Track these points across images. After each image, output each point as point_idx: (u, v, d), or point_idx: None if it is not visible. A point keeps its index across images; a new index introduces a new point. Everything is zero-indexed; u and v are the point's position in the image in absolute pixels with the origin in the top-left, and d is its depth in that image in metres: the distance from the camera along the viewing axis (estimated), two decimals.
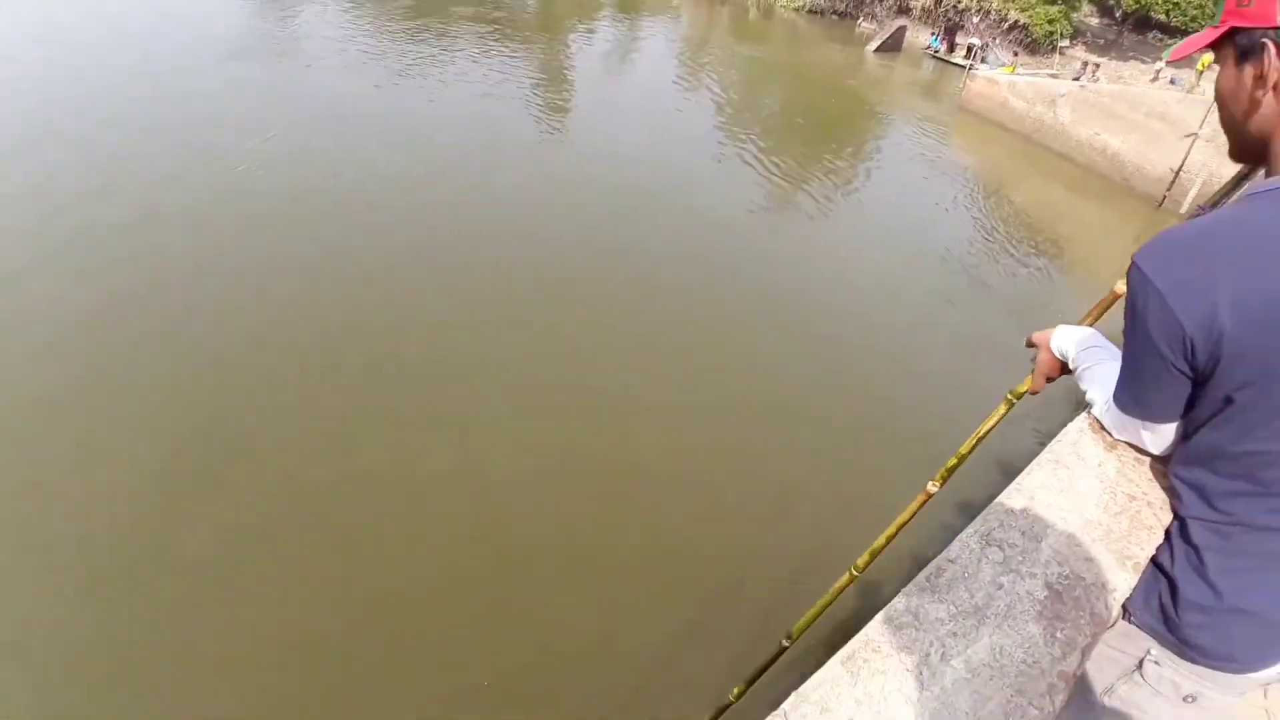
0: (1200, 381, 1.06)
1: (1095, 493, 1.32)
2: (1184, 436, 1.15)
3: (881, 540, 1.66)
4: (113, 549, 4.59)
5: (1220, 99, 1.15)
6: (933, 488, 1.66)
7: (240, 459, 5.24)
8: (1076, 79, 21.53)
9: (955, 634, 0.97)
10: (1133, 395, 1.19)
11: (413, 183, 9.18)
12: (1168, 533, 1.18)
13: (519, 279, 7.58)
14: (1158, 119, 16.55)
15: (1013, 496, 1.24)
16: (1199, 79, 23.19)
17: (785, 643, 1.91)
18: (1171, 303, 1.01)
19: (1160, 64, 25.07)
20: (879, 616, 0.97)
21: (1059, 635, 1.00)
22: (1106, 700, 1.17)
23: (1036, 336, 1.53)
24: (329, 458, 5.32)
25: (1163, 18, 27.04)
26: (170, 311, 6.38)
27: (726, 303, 7.97)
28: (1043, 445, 1.38)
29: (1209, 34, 1.13)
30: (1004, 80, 19.71)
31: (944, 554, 1.09)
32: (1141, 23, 29.28)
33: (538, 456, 5.54)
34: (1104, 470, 1.37)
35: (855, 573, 1.75)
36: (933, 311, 8.44)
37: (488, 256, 7.86)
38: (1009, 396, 1.59)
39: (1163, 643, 1.13)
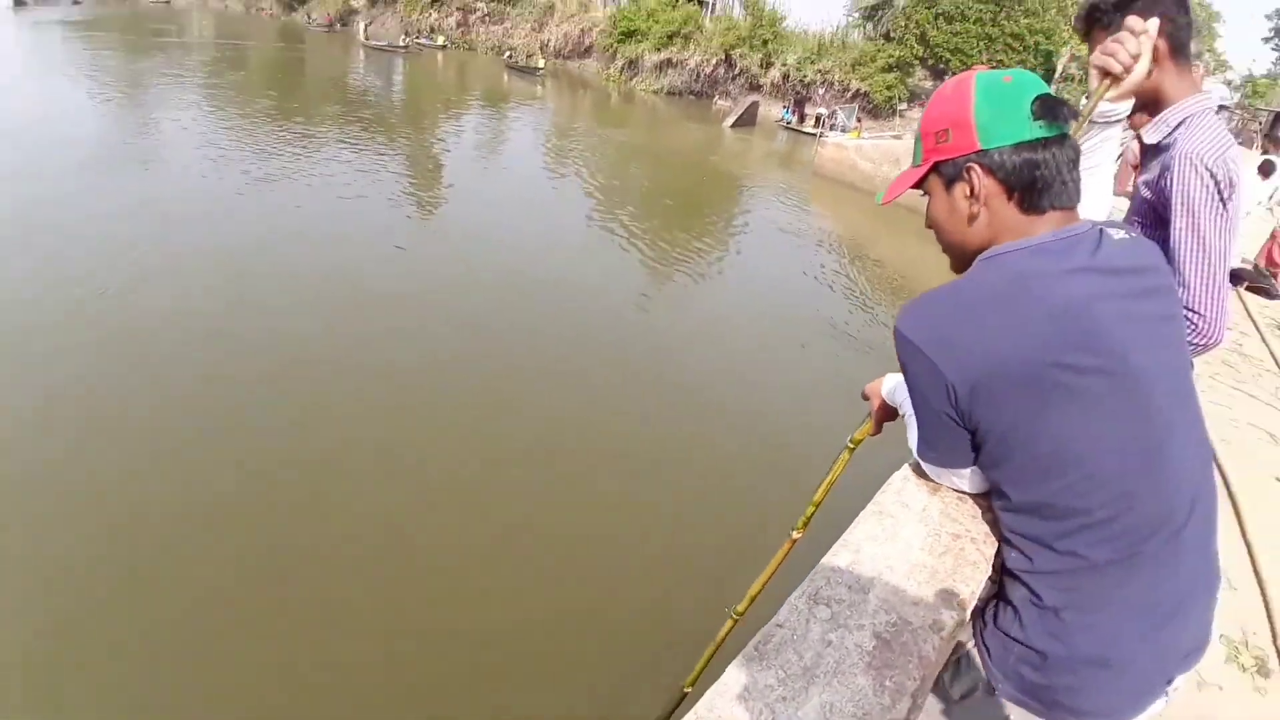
0: (974, 430, 1.15)
1: (920, 536, 1.38)
2: (997, 493, 1.22)
3: (757, 586, 1.74)
4: None
5: (936, 226, 1.30)
6: (796, 534, 1.72)
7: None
8: None
9: (784, 698, 0.99)
10: (928, 444, 1.29)
11: (284, 293, 8.91)
12: (1007, 596, 1.24)
13: (407, 378, 7.44)
14: None
15: (839, 553, 1.29)
16: None
17: (686, 689, 1.97)
18: (936, 359, 1.11)
19: None
20: (709, 693, 0.98)
21: (888, 684, 1.04)
22: None
23: (869, 388, 1.64)
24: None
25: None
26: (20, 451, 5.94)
27: (612, 375, 8.04)
28: (869, 498, 1.45)
29: (914, 173, 1.28)
30: (851, 145, 21.06)
31: (773, 619, 1.12)
32: None
33: (430, 555, 5.36)
34: (928, 514, 1.44)
35: (736, 616, 1.82)
36: (802, 365, 8.77)
37: (372, 359, 7.69)
38: (849, 443, 1.67)
39: (1037, 713, 1.19)
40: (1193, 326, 1.78)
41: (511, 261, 10.81)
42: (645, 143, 23.67)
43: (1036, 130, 1.15)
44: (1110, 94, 1.63)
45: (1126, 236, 1.21)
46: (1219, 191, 1.76)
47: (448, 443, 6.54)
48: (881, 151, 20.32)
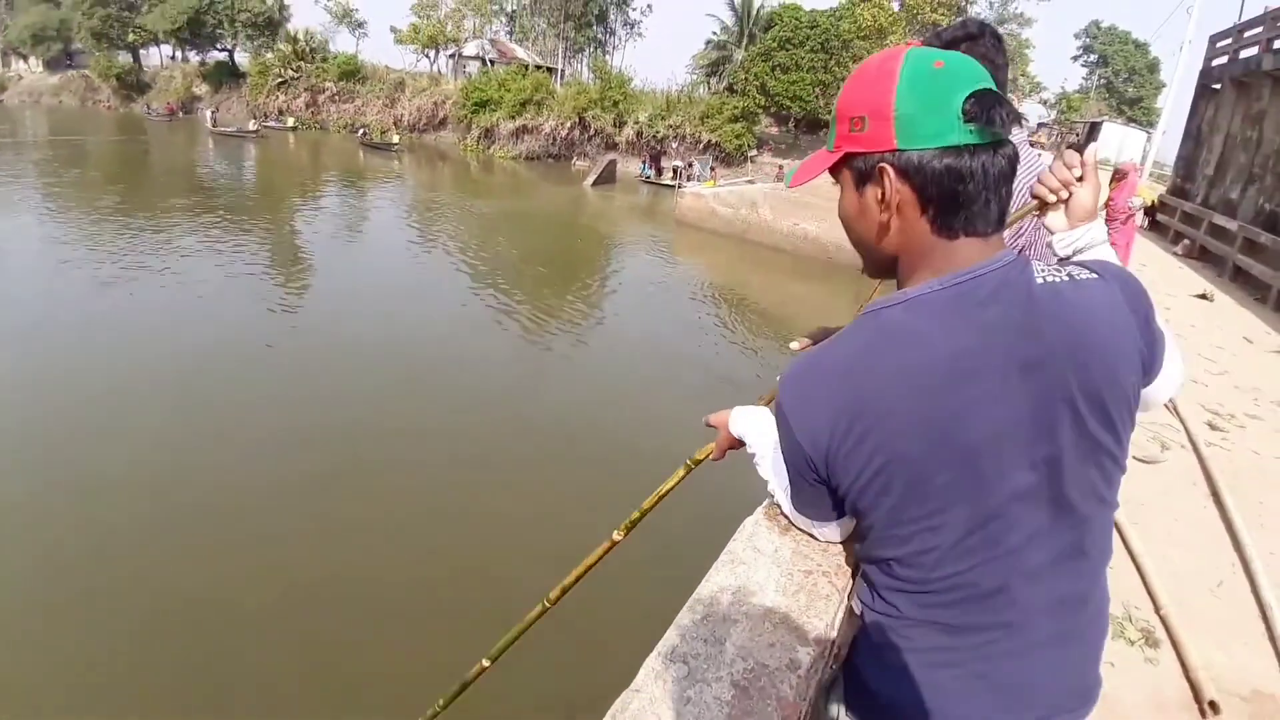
0: (832, 488, 1.14)
1: (773, 579, 1.43)
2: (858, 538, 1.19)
3: (571, 578, 1.81)
4: None
5: (845, 221, 1.17)
6: (617, 535, 1.76)
7: None
8: (778, 180, 24.42)
9: None
10: (795, 499, 1.30)
11: (145, 403, 8.33)
12: (859, 635, 1.25)
13: (288, 471, 7.11)
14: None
15: (695, 607, 1.32)
16: None
17: (485, 663, 2.07)
18: (792, 421, 1.10)
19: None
20: None
21: None
22: None
23: (714, 419, 1.60)
24: None
25: (828, 117, 31.44)
26: None
27: (501, 439, 7.99)
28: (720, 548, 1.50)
29: (824, 158, 1.13)
30: (708, 193, 21.86)
31: (630, 685, 1.13)
32: (812, 125, 33.90)
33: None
34: (780, 555, 1.49)
35: (548, 604, 1.91)
36: (685, 408, 8.94)
37: (251, 465, 7.30)
38: (689, 462, 1.71)
39: None
40: None
41: (388, 349, 10.50)
42: (510, 209, 23.78)
43: (965, 134, 0.99)
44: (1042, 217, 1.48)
45: (1063, 280, 1.05)
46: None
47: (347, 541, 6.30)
48: (738, 196, 21.18)
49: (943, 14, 28.99)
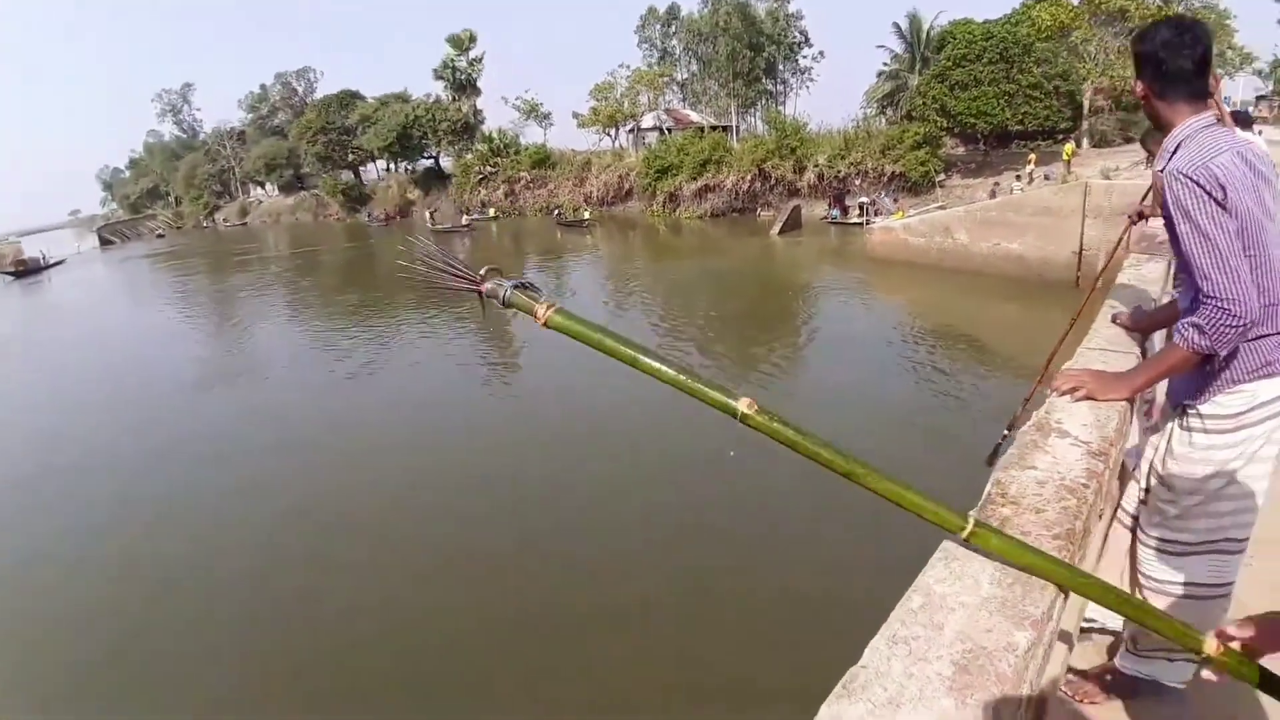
0: None
1: (988, 572, 1.52)
2: None
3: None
4: None
5: None
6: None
7: None
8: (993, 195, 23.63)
9: None
10: None
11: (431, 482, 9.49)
12: None
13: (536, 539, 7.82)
14: (1043, 214, 17.87)
15: (912, 598, 1.44)
16: (1068, 169, 25.39)
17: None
18: None
19: (1026, 168, 27.55)
20: None
21: (969, 701, 1.18)
22: None
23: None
24: None
25: (1019, 127, 29.97)
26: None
27: (722, 508, 8.19)
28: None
29: None
30: (898, 225, 21.33)
31: (856, 664, 1.28)
32: (1001, 138, 32.27)
33: None
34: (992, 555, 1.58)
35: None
36: (914, 457, 8.67)
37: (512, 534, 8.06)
38: None
39: None
40: (1226, 312, 1.95)
41: (596, 420, 11.08)
42: (700, 267, 24.37)
43: None
44: None
45: None
46: (1208, 194, 1.95)
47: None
48: (929, 224, 20.49)
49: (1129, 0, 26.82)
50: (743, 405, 1.48)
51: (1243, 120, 9.66)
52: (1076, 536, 1.77)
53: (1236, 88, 49.86)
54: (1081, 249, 16.77)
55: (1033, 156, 28.67)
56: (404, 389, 13.24)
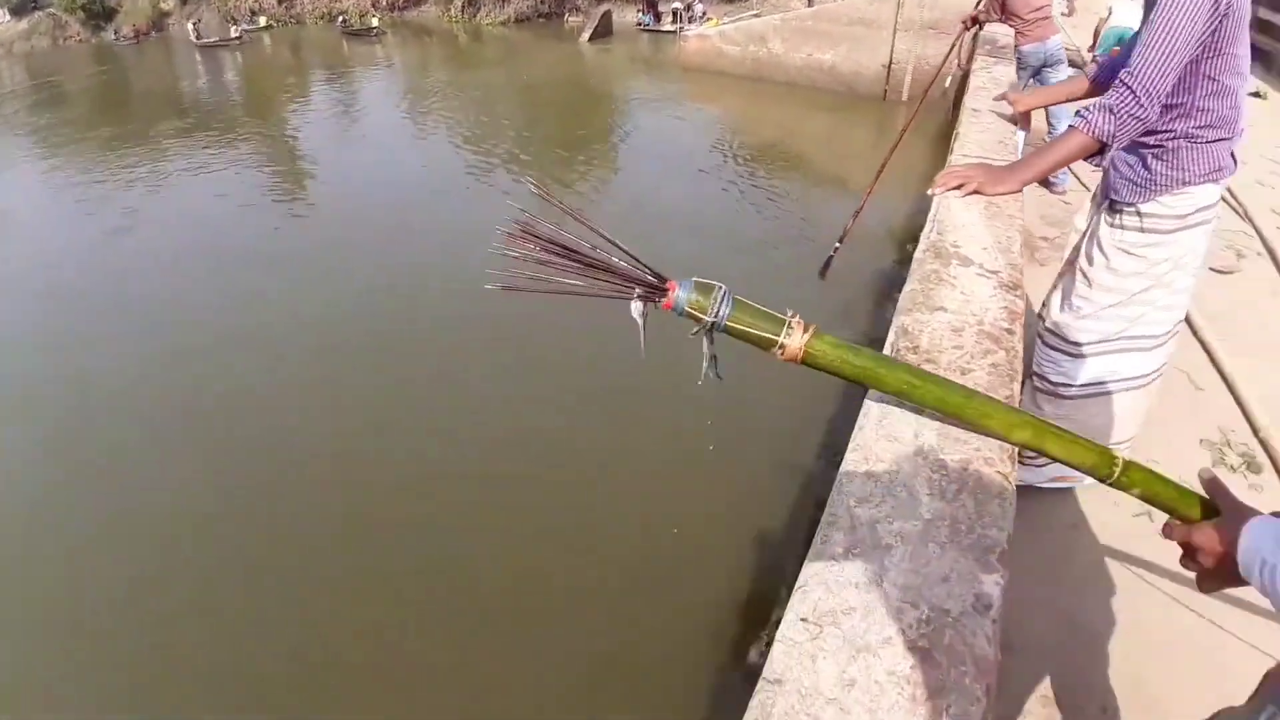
0: None
1: (924, 477, 1.07)
2: None
3: None
4: None
5: None
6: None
7: None
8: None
9: None
10: None
11: (173, 320, 8.25)
12: None
13: (312, 371, 6.98)
14: (857, 25, 17.55)
15: (830, 536, 0.97)
16: None
17: None
18: None
19: None
20: None
21: (947, 717, 0.71)
22: None
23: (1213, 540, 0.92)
24: None
25: None
26: None
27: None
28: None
29: None
30: (713, 33, 20.39)
31: (765, 670, 0.78)
32: None
33: None
34: (923, 442, 1.12)
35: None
36: (747, 276, 8.44)
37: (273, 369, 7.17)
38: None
39: None
40: (1138, 103, 1.86)
41: (400, 245, 10.16)
42: (506, 80, 22.56)
43: None
44: None
45: None
46: None
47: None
48: (744, 33, 19.72)
49: None
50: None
51: None
52: (1014, 404, 1.35)
53: None
54: (891, 62, 16.75)
55: None
56: (179, 239, 11.38)
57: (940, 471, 1.07)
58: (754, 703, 0.76)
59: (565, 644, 4.32)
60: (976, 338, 1.41)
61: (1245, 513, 0.86)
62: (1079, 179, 7.49)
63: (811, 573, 0.90)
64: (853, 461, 1.08)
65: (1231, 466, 3.43)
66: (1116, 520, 3.11)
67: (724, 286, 1.08)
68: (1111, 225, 2.25)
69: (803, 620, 0.84)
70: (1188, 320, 4.76)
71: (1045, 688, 2.13)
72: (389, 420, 6.49)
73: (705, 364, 1.10)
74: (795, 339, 0.98)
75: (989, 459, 1.09)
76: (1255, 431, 3.59)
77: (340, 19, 37.46)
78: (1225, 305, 4.86)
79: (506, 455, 5.94)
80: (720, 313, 1.02)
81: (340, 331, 7.89)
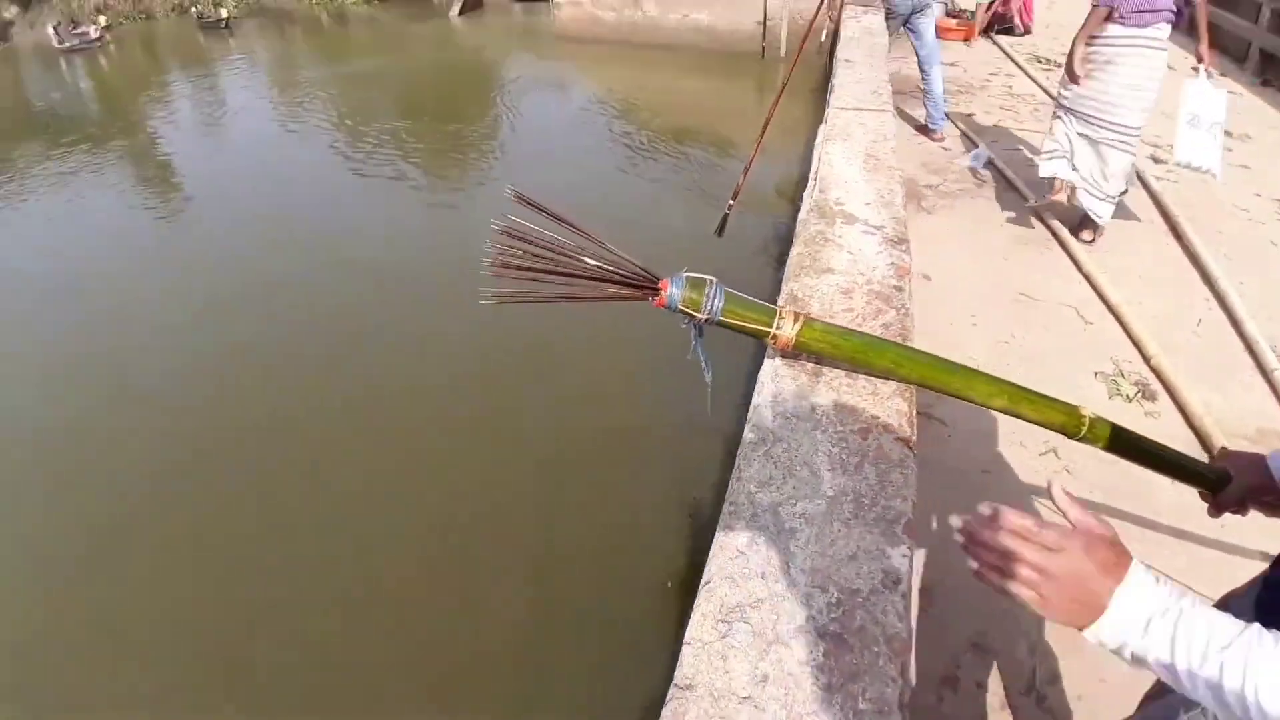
0: None
1: (824, 450, 1.07)
2: None
3: None
4: None
5: None
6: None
7: None
8: None
9: None
10: None
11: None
12: None
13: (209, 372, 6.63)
14: None
15: (733, 524, 0.94)
16: None
17: None
18: None
19: None
20: None
21: (864, 704, 0.69)
22: None
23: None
24: None
25: None
26: None
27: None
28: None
29: None
30: None
31: (677, 676, 0.75)
32: None
33: None
34: (820, 414, 1.10)
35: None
36: (644, 243, 8.40)
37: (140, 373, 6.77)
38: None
39: None
40: None
41: (287, 248, 9.56)
42: (377, 63, 21.69)
43: None
44: None
45: None
46: None
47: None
48: None
49: None
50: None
51: None
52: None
53: None
54: (765, 18, 16.87)
55: None
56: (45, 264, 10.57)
57: (841, 445, 1.05)
58: (665, 713, 0.72)
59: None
60: (866, 298, 1.40)
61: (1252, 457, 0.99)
62: (956, 125, 7.71)
63: (716, 568, 0.87)
64: (750, 443, 1.05)
65: (1127, 396, 3.59)
66: (1024, 459, 3.23)
67: (714, 280, 1.04)
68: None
69: (711, 619, 0.81)
70: (1071, 255, 4.97)
71: (973, 633, 2.19)
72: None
73: (704, 364, 1.08)
74: (787, 328, 0.95)
75: (888, 425, 1.08)
76: (1146, 359, 3.76)
77: (195, 10, 35.15)
78: (1106, 236, 5.09)
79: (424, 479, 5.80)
80: (714, 308, 0.98)
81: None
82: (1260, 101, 7.73)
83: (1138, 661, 0.79)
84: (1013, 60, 10.35)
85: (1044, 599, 0.77)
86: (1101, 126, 4.39)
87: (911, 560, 0.90)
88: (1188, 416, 3.17)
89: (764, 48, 16.83)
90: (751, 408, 1.11)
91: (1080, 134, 4.70)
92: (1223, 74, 8.25)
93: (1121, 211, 5.03)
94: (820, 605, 0.83)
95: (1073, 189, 4.95)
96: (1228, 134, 5.39)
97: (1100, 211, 4.73)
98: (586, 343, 6.53)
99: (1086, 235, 5.03)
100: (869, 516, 0.94)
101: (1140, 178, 5.46)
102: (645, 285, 1.02)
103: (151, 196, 12.70)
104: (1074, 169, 4.85)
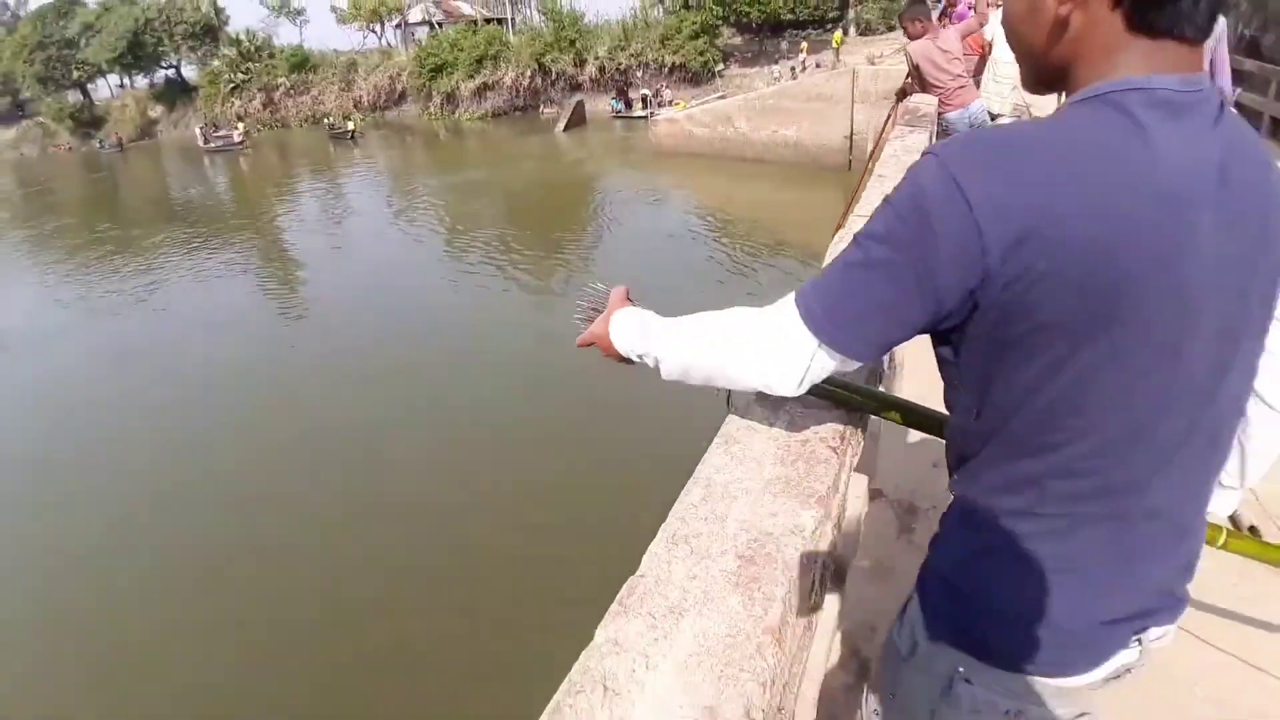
0: (961, 298, 0.83)
1: (771, 451, 1.42)
2: (979, 407, 0.94)
3: None
4: None
5: (1010, 24, 0.93)
6: None
7: None
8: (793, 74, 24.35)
9: (657, 639, 1.00)
10: (836, 307, 0.95)
11: (205, 419, 8.57)
12: (946, 531, 1.12)
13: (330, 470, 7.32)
14: (816, 101, 18.58)
15: (692, 490, 1.32)
16: (838, 56, 26.44)
17: None
18: (966, 190, 0.78)
19: (798, 57, 28.44)
20: (582, 655, 0.99)
21: (758, 594, 1.07)
22: None
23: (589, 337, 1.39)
24: None
25: (791, 17, 30.79)
26: None
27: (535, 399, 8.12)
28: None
29: None
30: (681, 116, 21.46)
31: (634, 574, 1.13)
32: (775, 28, 32.96)
33: None
34: (774, 430, 1.48)
35: None
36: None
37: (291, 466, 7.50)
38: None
39: (971, 655, 1.04)
40: None
41: (393, 352, 10.34)
42: (488, 173, 23.42)
43: None
44: None
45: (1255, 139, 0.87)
46: None
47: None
48: (711, 114, 20.77)
49: None
50: None
51: None
52: None
53: None
54: (852, 133, 17.67)
55: (805, 45, 29.55)
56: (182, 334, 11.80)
57: (785, 448, 1.44)
58: (623, 589, 1.11)
59: None
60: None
61: None
62: None
63: (674, 513, 1.26)
64: (718, 443, 1.45)
65: None
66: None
67: None
68: None
69: (664, 541, 1.20)
70: None
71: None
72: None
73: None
74: None
75: (825, 439, 1.46)
76: None
77: (326, 121, 38.66)
78: None
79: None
80: None
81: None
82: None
83: (642, 357, 1.27)
84: None
85: (594, 338, 1.34)
86: None
87: (819, 522, 1.27)
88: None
89: (850, 160, 17.47)
90: (725, 421, 1.51)
91: None
92: None
93: None
94: (743, 540, 1.20)
95: None
96: None
97: None
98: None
99: None
100: (792, 493, 1.31)
101: None
102: None
103: (275, 286, 14.01)
104: None
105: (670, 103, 27.50)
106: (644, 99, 29.92)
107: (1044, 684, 0.99)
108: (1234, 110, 0.84)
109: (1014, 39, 0.94)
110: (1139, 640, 0.98)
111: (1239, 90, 5.24)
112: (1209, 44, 3.56)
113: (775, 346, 1.05)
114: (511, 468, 7.09)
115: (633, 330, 1.28)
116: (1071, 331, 0.79)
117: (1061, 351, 0.80)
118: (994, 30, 7.45)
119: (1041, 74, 0.92)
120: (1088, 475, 0.88)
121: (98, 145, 45.92)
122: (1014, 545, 0.95)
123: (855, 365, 1.05)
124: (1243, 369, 0.91)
